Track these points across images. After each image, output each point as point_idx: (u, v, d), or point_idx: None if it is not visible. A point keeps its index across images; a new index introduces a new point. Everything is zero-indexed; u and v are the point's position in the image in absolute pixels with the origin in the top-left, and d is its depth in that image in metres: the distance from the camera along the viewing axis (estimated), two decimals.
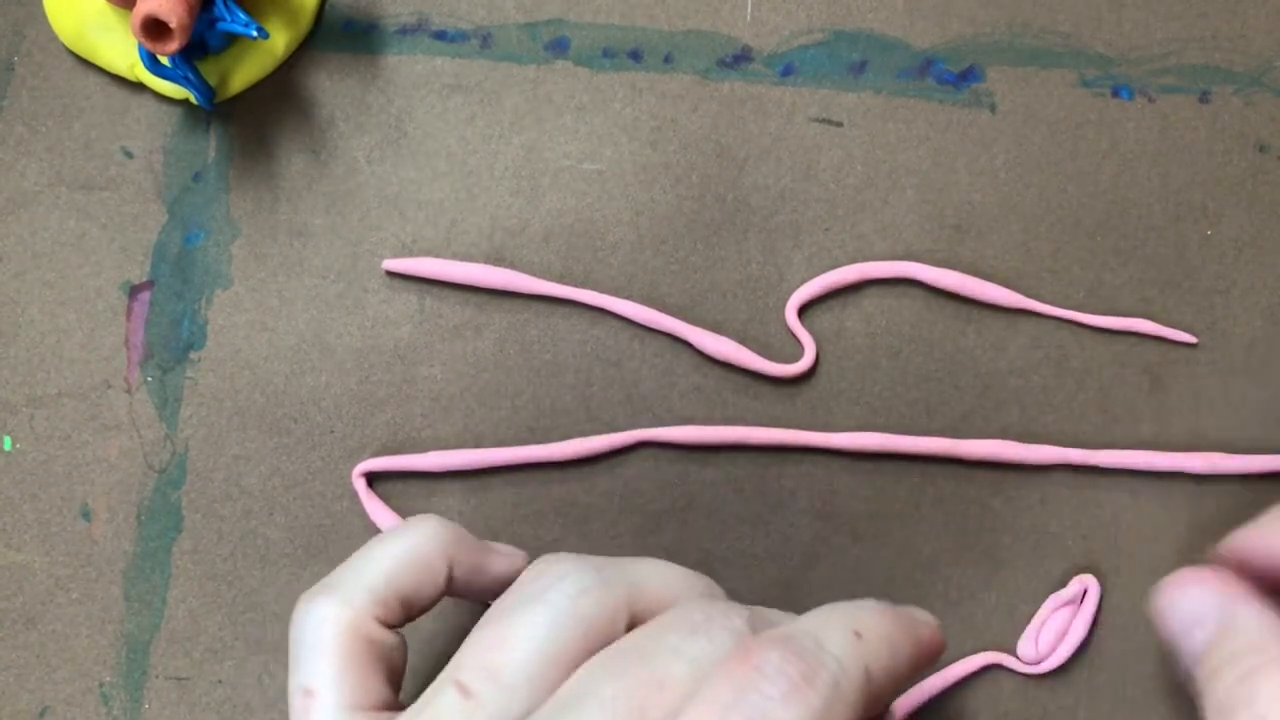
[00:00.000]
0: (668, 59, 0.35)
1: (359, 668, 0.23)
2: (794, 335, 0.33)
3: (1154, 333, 0.33)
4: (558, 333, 0.33)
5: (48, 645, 0.32)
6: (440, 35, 0.35)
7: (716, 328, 0.33)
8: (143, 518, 0.32)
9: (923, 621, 0.24)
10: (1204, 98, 0.35)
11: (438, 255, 0.34)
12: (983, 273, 0.33)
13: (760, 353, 0.33)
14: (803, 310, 0.33)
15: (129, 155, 0.34)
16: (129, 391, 0.33)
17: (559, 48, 0.35)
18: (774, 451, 0.33)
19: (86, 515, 0.32)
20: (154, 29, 0.30)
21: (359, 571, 0.24)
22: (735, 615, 0.22)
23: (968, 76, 0.35)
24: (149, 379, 0.33)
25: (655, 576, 0.23)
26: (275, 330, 0.33)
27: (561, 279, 0.33)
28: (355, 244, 0.34)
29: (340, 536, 0.32)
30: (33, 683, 0.31)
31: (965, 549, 0.32)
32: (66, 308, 0.33)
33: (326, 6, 0.35)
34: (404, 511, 0.32)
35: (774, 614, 0.23)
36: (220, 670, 0.31)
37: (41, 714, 0.31)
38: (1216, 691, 0.21)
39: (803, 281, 0.33)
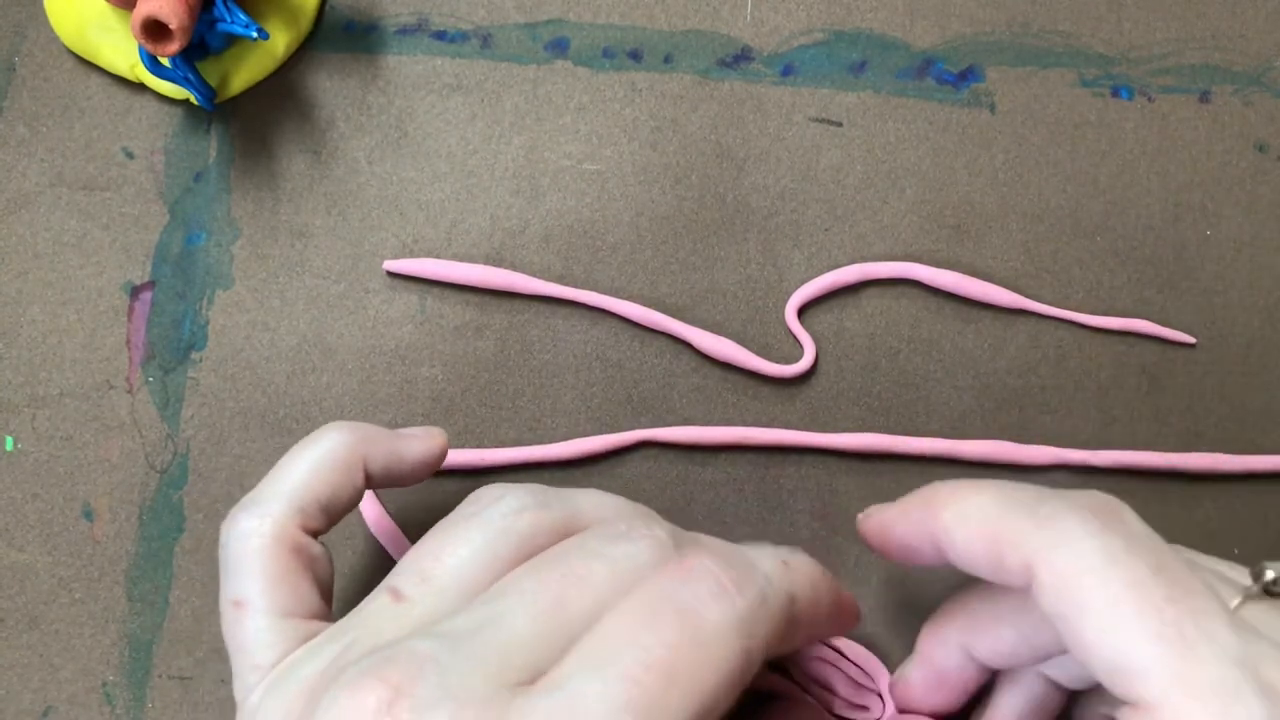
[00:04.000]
0: (668, 59, 0.35)
1: (287, 577, 0.23)
2: (794, 335, 0.33)
3: (1152, 333, 0.33)
4: (558, 333, 0.33)
5: (51, 645, 0.32)
6: (440, 35, 0.35)
7: (716, 328, 0.33)
8: (145, 518, 0.32)
9: (844, 591, 0.25)
10: (1203, 97, 0.35)
11: (438, 256, 0.34)
12: (982, 273, 0.34)
13: (760, 353, 0.33)
14: (803, 310, 0.33)
15: (130, 156, 0.34)
16: (130, 392, 0.33)
17: (559, 48, 0.35)
18: (774, 451, 0.33)
19: (89, 515, 0.32)
20: (154, 30, 0.30)
21: (277, 484, 0.24)
22: (658, 526, 0.22)
23: (967, 76, 0.35)
24: (150, 379, 0.33)
25: (592, 501, 0.24)
26: (276, 330, 0.33)
27: (562, 280, 0.33)
28: (356, 244, 0.34)
29: (341, 536, 0.32)
30: (36, 682, 0.31)
31: None
32: (68, 308, 0.34)
33: (326, 7, 0.35)
34: (405, 510, 0.32)
35: (700, 536, 0.24)
36: (223, 670, 0.32)
37: (45, 713, 0.31)
38: None
39: (803, 282, 0.33)
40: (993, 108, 0.35)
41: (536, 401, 0.33)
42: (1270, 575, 0.22)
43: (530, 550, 0.22)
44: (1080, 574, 0.20)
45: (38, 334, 0.33)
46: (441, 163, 0.34)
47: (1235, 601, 0.22)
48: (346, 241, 0.34)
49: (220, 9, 0.31)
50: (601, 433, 0.33)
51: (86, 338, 0.33)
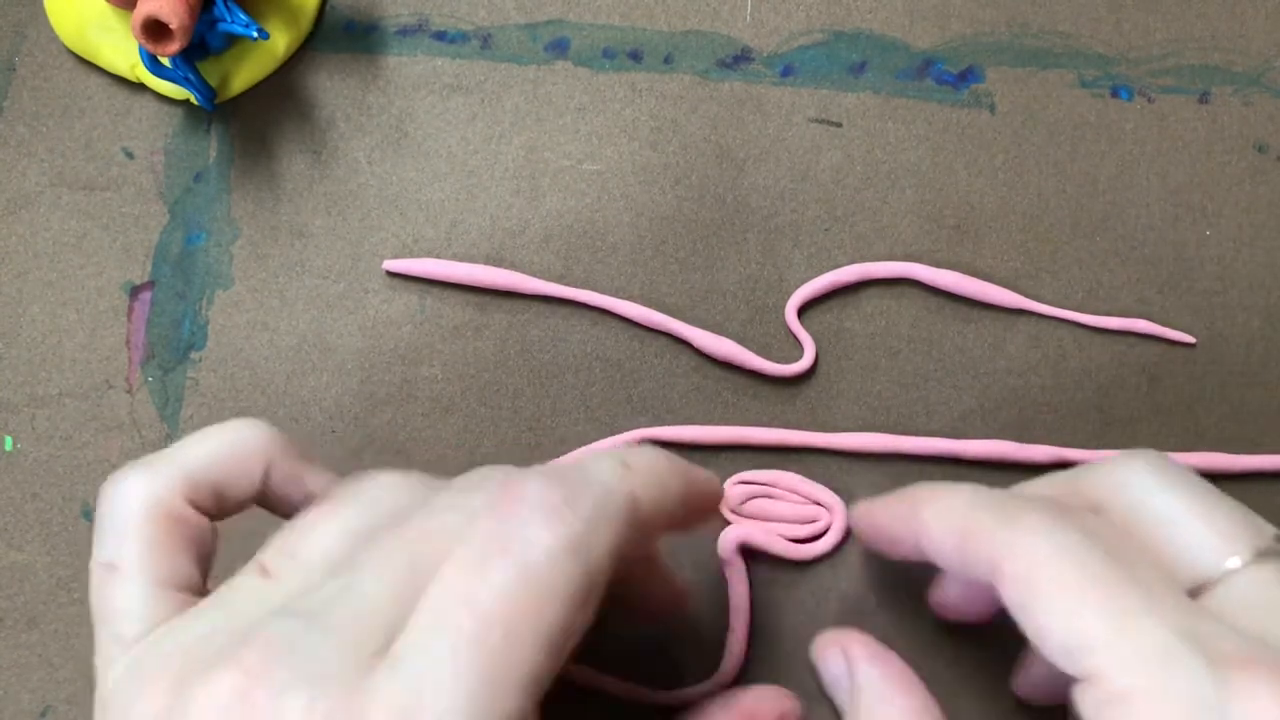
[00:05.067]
0: (668, 59, 0.35)
1: (165, 544, 0.22)
2: (794, 335, 0.33)
3: (1153, 333, 0.33)
4: (558, 333, 0.33)
5: (49, 645, 0.32)
6: (440, 36, 0.35)
7: (716, 328, 0.33)
8: None
9: (700, 469, 0.25)
10: (1203, 98, 0.35)
11: (438, 256, 0.34)
12: (982, 273, 0.34)
13: (760, 353, 0.33)
14: (803, 310, 0.33)
15: (130, 156, 0.34)
16: (130, 392, 0.33)
17: (559, 48, 0.35)
18: (774, 451, 0.33)
19: (88, 515, 0.32)
20: (154, 30, 0.30)
21: (172, 453, 0.23)
22: (514, 472, 0.22)
23: (967, 77, 0.35)
24: (150, 379, 0.33)
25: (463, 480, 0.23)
26: (276, 330, 0.33)
27: (562, 279, 0.33)
28: (356, 244, 0.34)
29: None
30: (34, 682, 0.31)
31: None
32: (68, 308, 0.34)
33: (327, 7, 0.35)
34: None
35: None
36: None
37: (43, 714, 0.31)
38: None
39: (803, 281, 0.33)
40: (992, 108, 0.35)
41: (536, 401, 0.33)
42: None
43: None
44: (1036, 564, 0.22)
45: (37, 334, 0.33)
46: (441, 163, 0.34)
47: (1246, 558, 0.22)
48: (346, 241, 0.34)
49: (220, 9, 0.31)
50: (601, 433, 0.33)
51: (86, 338, 0.33)
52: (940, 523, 0.24)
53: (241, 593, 0.21)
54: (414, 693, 0.18)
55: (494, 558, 0.19)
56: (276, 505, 0.25)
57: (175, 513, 0.22)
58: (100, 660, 0.22)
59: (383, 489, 0.22)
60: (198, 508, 0.23)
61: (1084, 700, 0.21)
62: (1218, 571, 0.22)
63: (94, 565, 0.22)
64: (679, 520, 0.23)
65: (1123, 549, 0.22)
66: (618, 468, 0.21)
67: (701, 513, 0.25)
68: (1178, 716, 0.19)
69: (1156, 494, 0.24)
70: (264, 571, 0.21)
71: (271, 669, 0.18)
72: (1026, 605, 0.21)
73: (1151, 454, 0.25)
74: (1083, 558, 0.21)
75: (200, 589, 0.23)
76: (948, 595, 0.29)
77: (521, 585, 0.19)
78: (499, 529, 0.19)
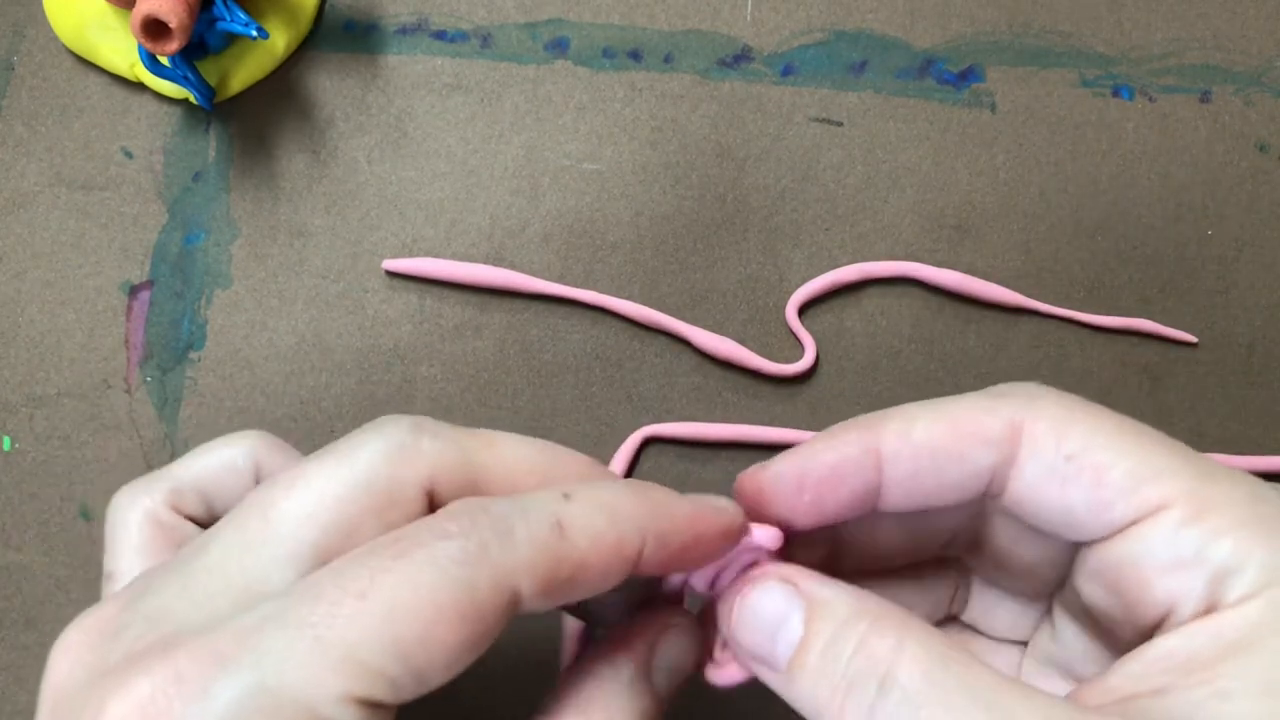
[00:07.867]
0: (668, 59, 0.35)
1: (156, 551, 0.24)
2: (794, 335, 0.33)
3: (1154, 332, 0.33)
4: (558, 333, 0.33)
5: (48, 646, 0.31)
6: (440, 35, 0.35)
7: (716, 328, 0.33)
8: None
9: (706, 502, 0.22)
10: (1204, 97, 0.35)
11: (438, 255, 0.34)
12: (983, 273, 0.33)
13: (761, 352, 0.33)
14: (803, 310, 0.33)
15: (129, 155, 0.34)
16: (129, 391, 0.33)
17: (559, 47, 0.35)
18: (776, 450, 0.33)
19: (86, 515, 0.32)
20: (154, 29, 0.30)
21: (169, 468, 0.25)
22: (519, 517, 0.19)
23: (968, 76, 0.35)
24: (149, 379, 0.33)
25: (503, 453, 0.21)
26: (275, 330, 0.33)
27: (561, 279, 0.33)
28: (355, 244, 0.34)
29: None
30: (33, 683, 0.31)
31: None
32: (66, 307, 0.33)
33: (326, 6, 0.35)
34: None
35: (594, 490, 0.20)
36: None
37: None
38: (831, 674, 0.19)
39: (803, 281, 0.33)
40: (993, 108, 0.35)
41: (536, 401, 0.33)
42: None
43: (382, 498, 0.20)
44: (1071, 416, 0.20)
45: (36, 333, 0.33)
46: (441, 162, 0.34)
47: None
48: (346, 241, 0.34)
49: (220, 8, 0.31)
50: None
51: (85, 337, 0.33)
52: (921, 423, 0.21)
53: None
54: (243, 627, 0.18)
55: (381, 551, 0.18)
56: None
57: (160, 520, 0.24)
58: None
59: (378, 444, 0.20)
60: (183, 512, 0.24)
61: (1156, 536, 0.19)
62: None
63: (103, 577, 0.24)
64: (656, 558, 0.20)
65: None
66: (556, 497, 0.19)
67: (697, 550, 0.21)
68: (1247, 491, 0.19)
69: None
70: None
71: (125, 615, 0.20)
72: (1076, 455, 0.20)
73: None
74: (1104, 413, 0.21)
75: None
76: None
77: (399, 582, 0.18)
78: (398, 532, 0.19)
